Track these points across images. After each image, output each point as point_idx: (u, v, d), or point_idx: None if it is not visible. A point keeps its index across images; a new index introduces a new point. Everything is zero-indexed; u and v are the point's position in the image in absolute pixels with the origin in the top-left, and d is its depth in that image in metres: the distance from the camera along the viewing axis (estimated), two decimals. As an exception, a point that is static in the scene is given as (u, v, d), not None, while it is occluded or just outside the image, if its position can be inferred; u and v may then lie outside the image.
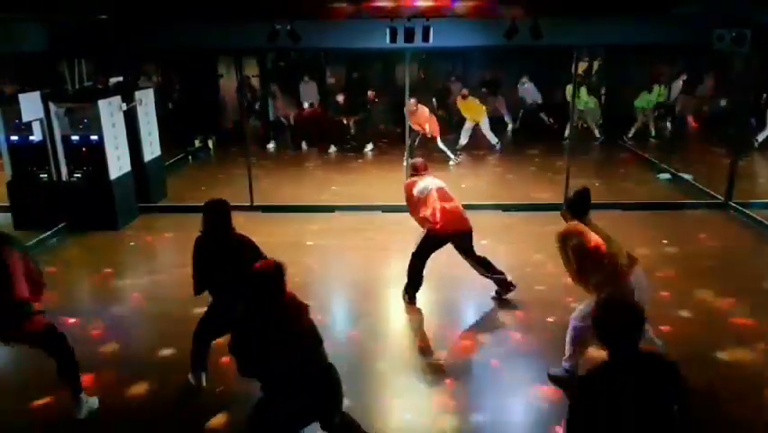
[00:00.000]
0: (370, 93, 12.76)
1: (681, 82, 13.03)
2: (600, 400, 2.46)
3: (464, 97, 11.76)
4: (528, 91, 13.77)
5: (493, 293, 5.76)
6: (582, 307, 4.23)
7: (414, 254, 5.53)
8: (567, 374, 4.28)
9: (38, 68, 9.01)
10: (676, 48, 11.04)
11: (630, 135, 12.72)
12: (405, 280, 5.66)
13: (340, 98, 12.48)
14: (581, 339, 4.20)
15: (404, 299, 5.71)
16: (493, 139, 11.99)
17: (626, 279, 3.97)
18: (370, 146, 12.31)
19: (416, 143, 11.17)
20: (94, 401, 4.16)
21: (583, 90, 12.39)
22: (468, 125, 11.75)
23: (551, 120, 13.81)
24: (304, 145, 12.58)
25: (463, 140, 11.75)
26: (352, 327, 5.40)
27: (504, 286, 5.71)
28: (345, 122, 12.44)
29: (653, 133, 12.84)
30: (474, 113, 11.68)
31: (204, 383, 4.39)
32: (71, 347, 3.97)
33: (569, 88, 11.61)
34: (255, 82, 14.44)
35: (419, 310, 5.62)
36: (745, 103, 10.03)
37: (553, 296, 5.67)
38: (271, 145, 12.79)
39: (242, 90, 10.57)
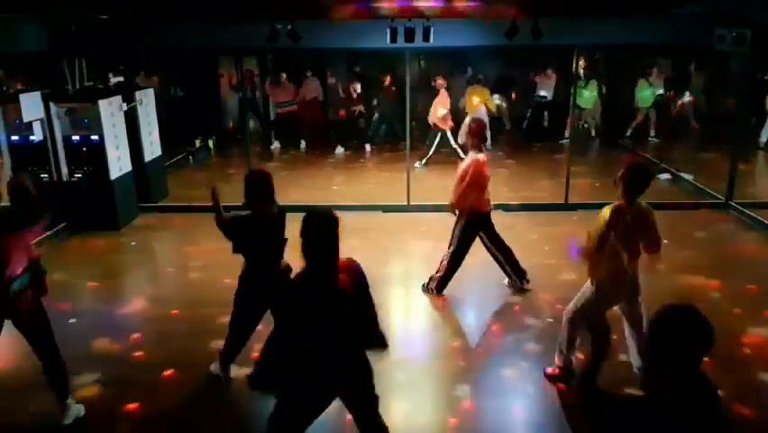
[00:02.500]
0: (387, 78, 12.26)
1: (662, 78, 12.89)
2: None
3: (479, 82, 11.52)
4: (547, 84, 13.01)
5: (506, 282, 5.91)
6: (575, 299, 4.24)
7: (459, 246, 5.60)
8: (561, 372, 4.32)
9: (38, 68, 9.00)
10: (676, 48, 11.02)
11: (628, 134, 12.70)
12: (405, 279, 5.65)
13: (357, 87, 12.17)
14: (574, 335, 4.24)
15: (429, 292, 5.78)
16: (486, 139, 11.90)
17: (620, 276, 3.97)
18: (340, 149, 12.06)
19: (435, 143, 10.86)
20: (79, 408, 4.06)
21: (582, 84, 12.28)
22: (467, 121, 11.61)
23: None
24: (276, 144, 12.52)
25: (461, 139, 11.65)
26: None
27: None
28: (349, 110, 12.20)
29: (653, 132, 12.82)
30: (477, 107, 11.52)
31: (230, 375, 4.40)
32: (58, 348, 3.90)
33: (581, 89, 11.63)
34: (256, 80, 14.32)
35: (418, 310, 5.63)
36: (744, 103, 10.02)
37: (553, 295, 5.68)
38: (275, 145, 12.70)
39: (243, 85, 10.37)
